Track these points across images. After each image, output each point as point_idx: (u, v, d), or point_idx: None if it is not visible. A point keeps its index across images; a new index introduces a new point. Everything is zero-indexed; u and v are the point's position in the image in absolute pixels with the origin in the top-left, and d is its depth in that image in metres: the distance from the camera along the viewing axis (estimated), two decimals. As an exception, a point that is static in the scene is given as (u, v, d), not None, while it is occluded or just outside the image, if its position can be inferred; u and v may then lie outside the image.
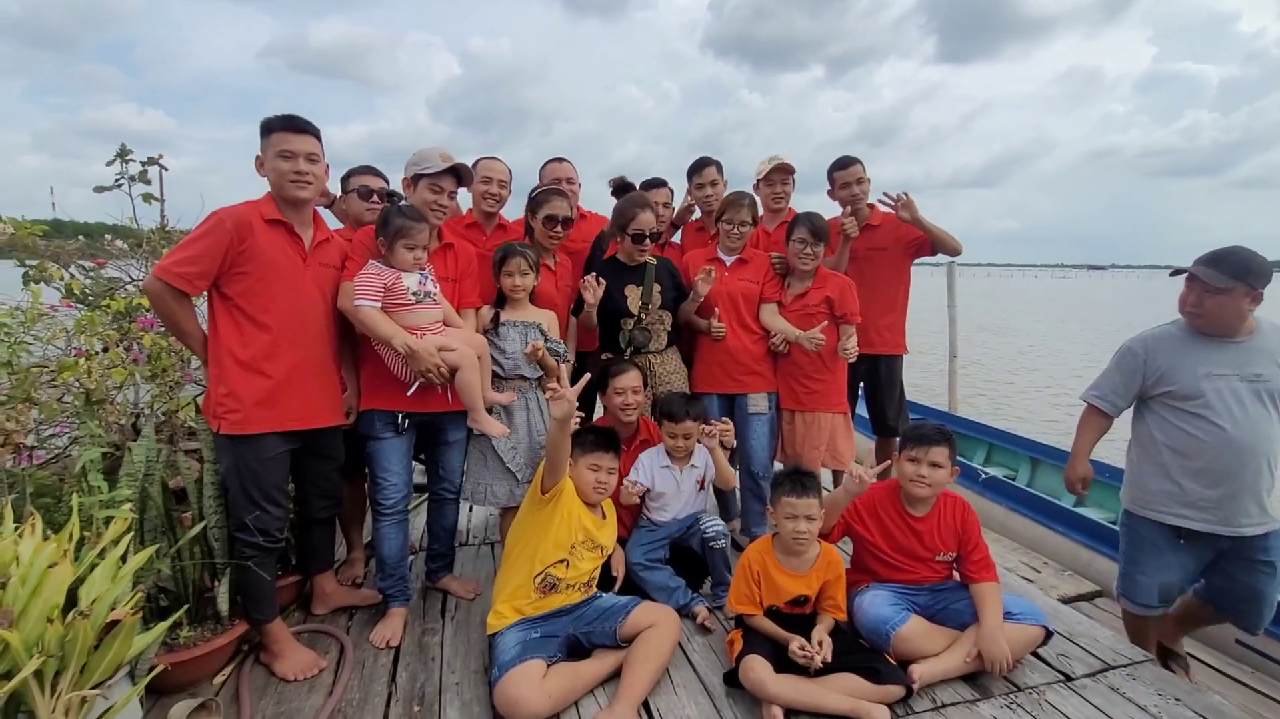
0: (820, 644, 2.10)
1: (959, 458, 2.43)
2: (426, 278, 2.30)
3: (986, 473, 4.29)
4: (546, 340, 2.50)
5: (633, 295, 2.91)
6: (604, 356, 2.96)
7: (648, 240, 2.86)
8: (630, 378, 2.72)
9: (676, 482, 2.74)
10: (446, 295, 2.43)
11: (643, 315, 2.92)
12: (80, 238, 3.19)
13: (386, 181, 2.90)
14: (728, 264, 3.07)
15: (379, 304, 2.17)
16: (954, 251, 3.38)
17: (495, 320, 2.61)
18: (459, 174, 2.50)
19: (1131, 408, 2.48)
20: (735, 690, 2.12)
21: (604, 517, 2.43)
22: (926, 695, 2.10)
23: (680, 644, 2.33)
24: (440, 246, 2.49)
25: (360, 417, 2.43)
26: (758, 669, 2.02)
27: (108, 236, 3.21)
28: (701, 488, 2.83)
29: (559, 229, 2.80)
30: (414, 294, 2.23)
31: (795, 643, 2.11)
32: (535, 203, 2.83)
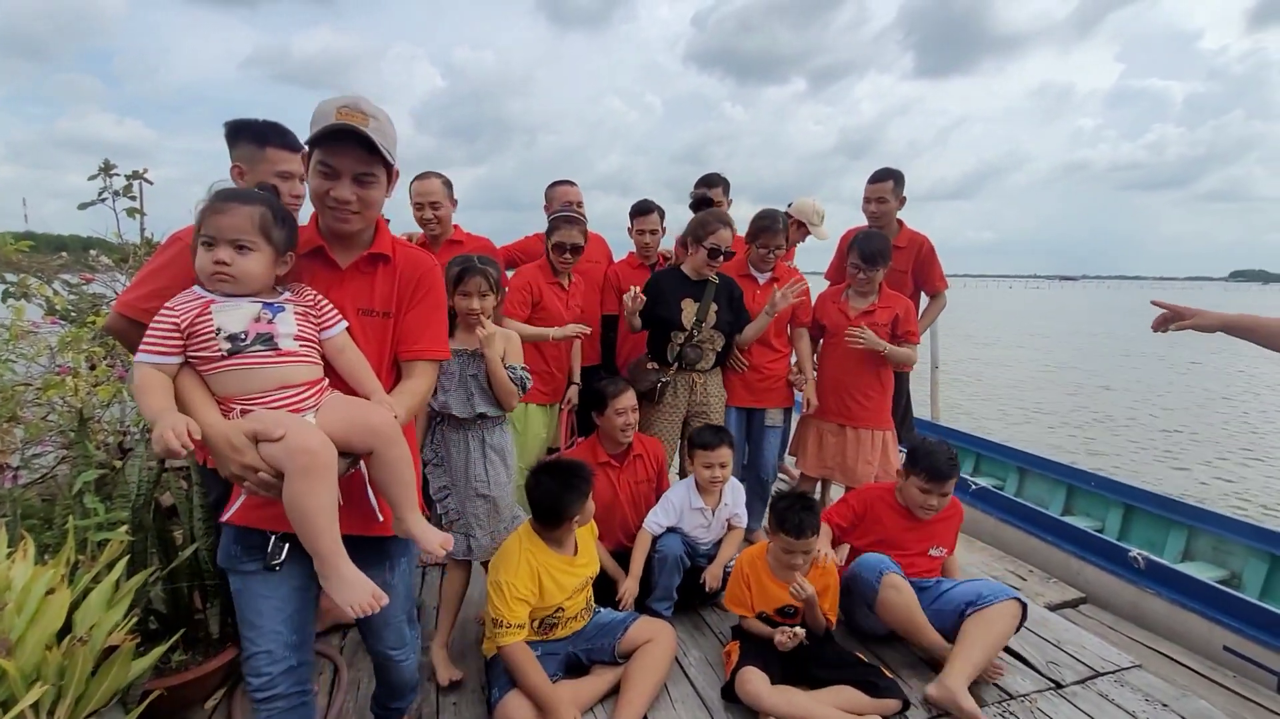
0: (795, 632, 2.16)
1: None
2: (278, 311, 1.34)
3: (976, 484, 4.35)
4: (509, 366, 2.19)
5: (688, 309, 2.91)
6: (650, 366, 2.99)
7: (721, 258, 2.88)
8: (629, 398, 2.70)
9: (707, 523, 2.70)
10: (369, 337, 1.49)
11: (695, 332, 2.91)
12: (63, 253, 3.14)
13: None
14: (760, 282, 3.15)
15: (172, 358, 1.26)
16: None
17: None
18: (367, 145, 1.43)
19: None
20: (733, 704, 2.12)
21: (576, 551, 2.23)
22: (921, 707, 2.13)
23: (678, 659, 2.34)
24: (363, 259, 1.50)
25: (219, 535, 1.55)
26: (754, 681, 2.04)
27: (93, 252, 3.16)
28: (729, 528, 2.79)
29: (568, 256, 2.88)
30: (229, 339, 1.28)
31: (778, 635, 2.15)
32: (549, 229, 2.94)
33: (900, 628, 2.33)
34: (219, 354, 1.27)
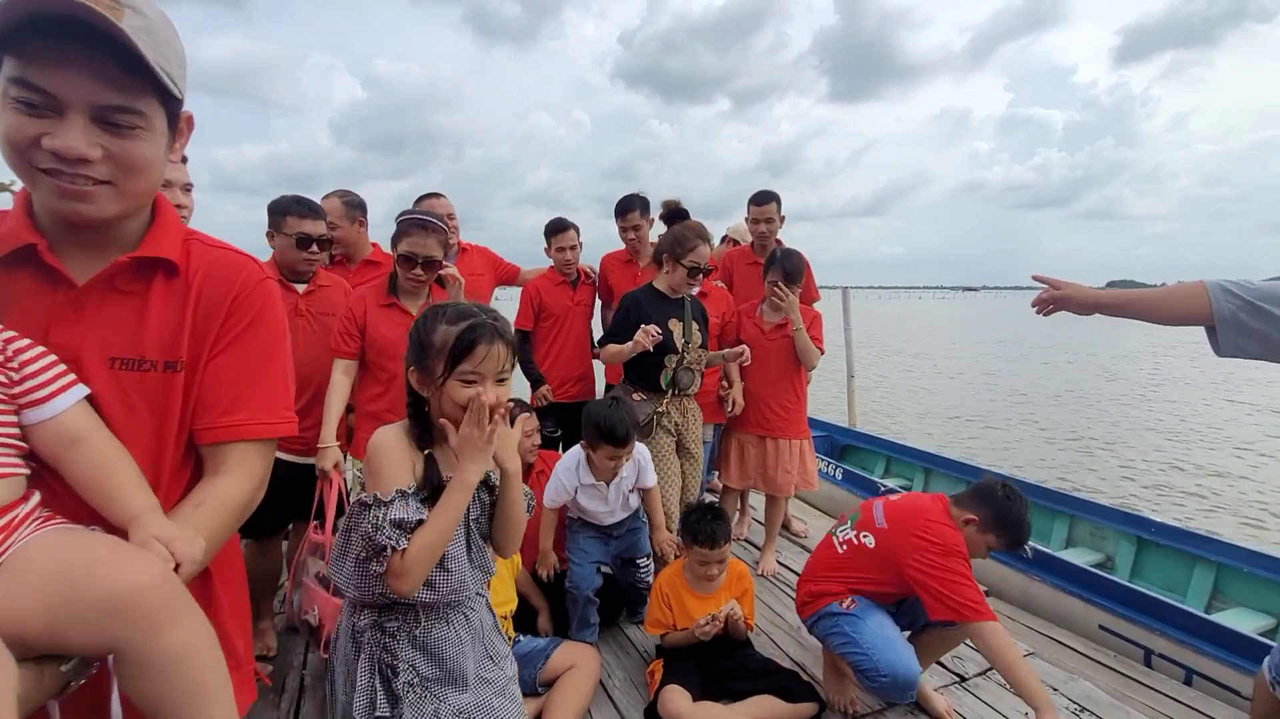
0: (715, 618, 2.14)
1: (859, 470, 2.56)
2: None
3: (886, 485, 4.56)
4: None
5: (675, 330, 2.77)
6: (635, 397, 2.79)
7: (701, 275, 2.75)
8: (531, 421, 2.79)
9: (605, 499, 2.48)
10: (135, 408, 0.87)
11: (685, 354, 2.77)
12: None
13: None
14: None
15: None
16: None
17: None
18: None
19: None
20: (657, 725, 2.11)
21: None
22: (838, 709, 2.19)
23: (601, 681, 2.30)
24: (119, 270, 0.86)
25: None
26: (675, 700, 2.03)
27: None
28: (641, 493, 2.59)
29: (420, 271, 2.26)
30: None
31: (700, 626, 2.14)
32: (394, 237, 2.31)
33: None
34: None
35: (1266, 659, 1.68)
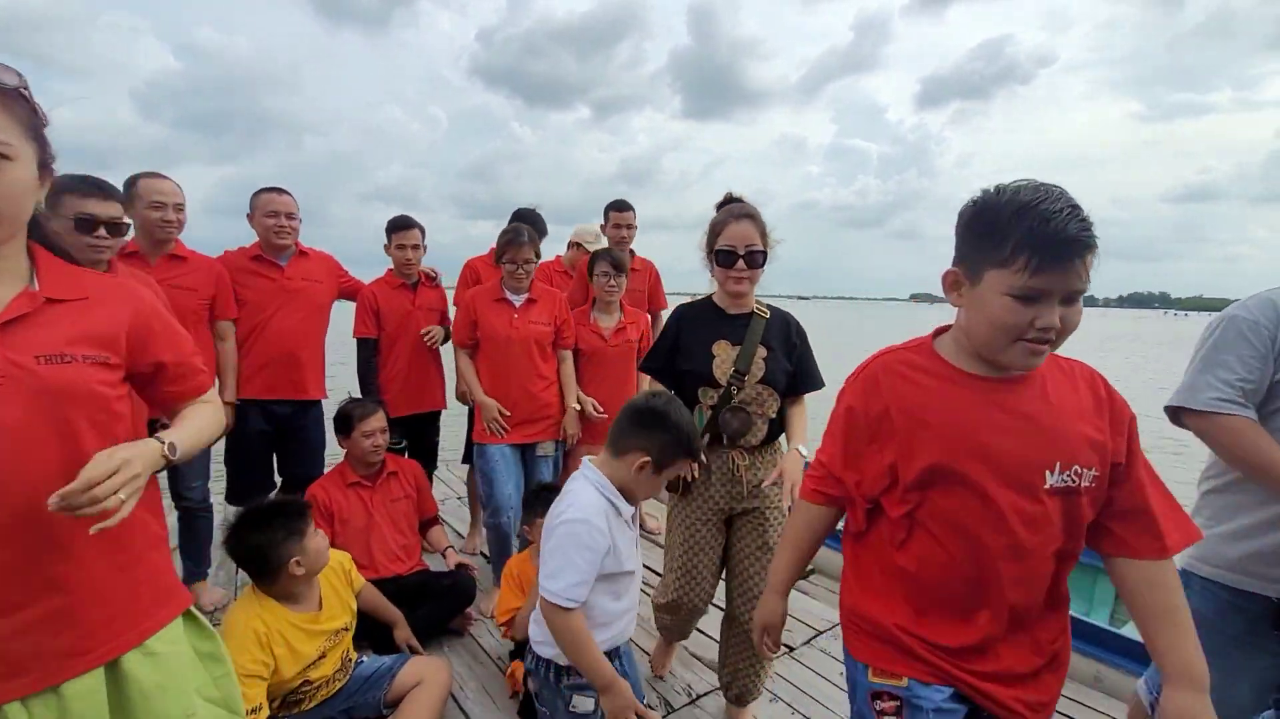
0: None
1: None
2: None
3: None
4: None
5: (723, 355, 1.93)
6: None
7: (740, 262, 1.88)
8: (377, 420, 2.68)
9: (632, 530, 1.60)
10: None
11: (733, 388, 1.92)
12: None
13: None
14: (517, 305, 2.83)
15: None
16: None
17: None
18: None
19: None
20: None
21: (320, 605, 1.96)
22: (682, 691, 2.34)
23: (453, 694, 2.25)
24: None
25: None
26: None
27: None
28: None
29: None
30: None
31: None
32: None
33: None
34: None
35: (1143, 678, 1.49)
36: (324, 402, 3.07)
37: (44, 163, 0.96)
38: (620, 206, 3.63)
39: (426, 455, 3.38)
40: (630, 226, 3.62)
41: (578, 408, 2.97)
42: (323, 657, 1.92)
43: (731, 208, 1.93)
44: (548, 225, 3.48)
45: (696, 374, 1.95)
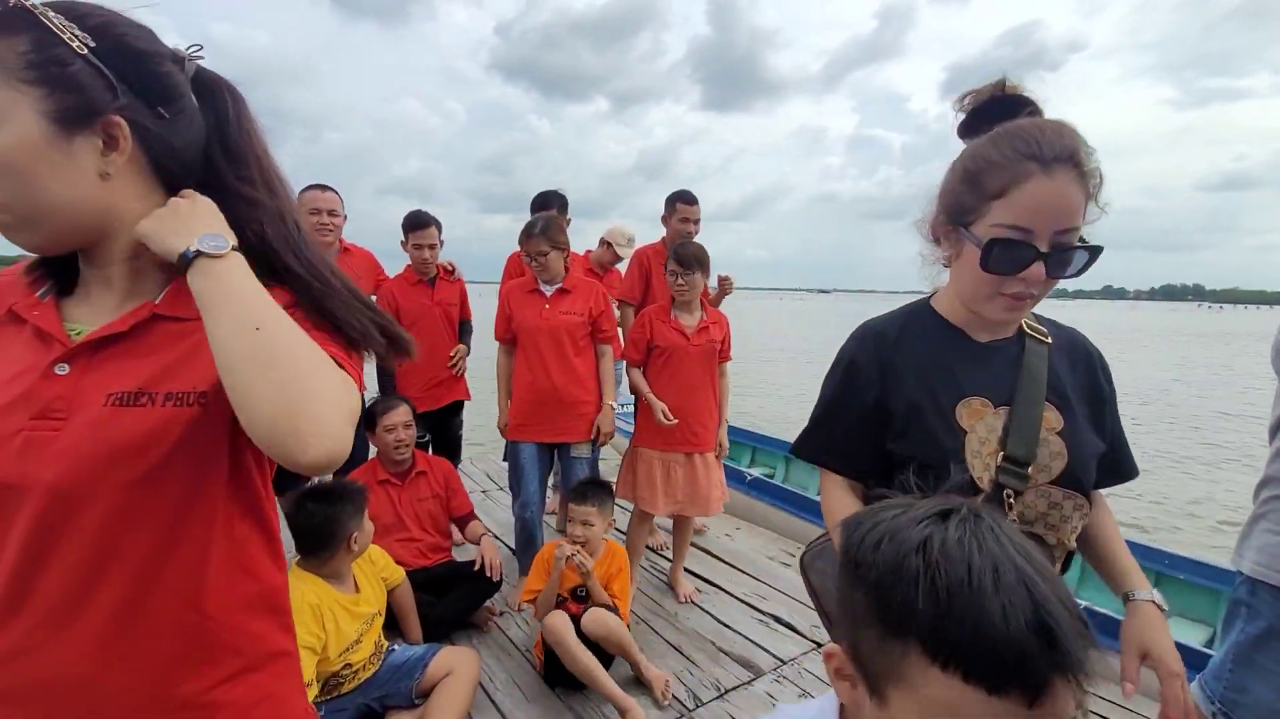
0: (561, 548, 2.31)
1: (728, 462, 2.69)
2: None
3: (751, 474, 4.86)
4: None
5: (979, 423, 0.98)
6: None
7: (1039, 265, 0.93)
8: (399, 414, 2.69)
9: None
10: None
11: (1008, 495, 0.95)
12: None
13: None
14: (548, 295, 2.77)
15: None
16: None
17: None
18: None
19: None
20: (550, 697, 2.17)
21: (357, 589, 2.02)
22: (711, 685, 2.33)
23: (482, 685, 2.27)
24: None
25: None
26: (554, 619, 2.21)
27: None
28: None
29: None
30: None
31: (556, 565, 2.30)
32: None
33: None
34: None
35: (1196, 680, 1.30)
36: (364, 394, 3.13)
37: (83, 111, 0.60)
38: (688, 199, 3.36)
39: (450, 449, 3.42)
40: (697, 221, 3.36)
41: (614, 406, 2.88)
42: (359, 640, 1.96)
43: (1031, 135, 0.89)
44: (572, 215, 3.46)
45: (926, 466, 0.78)
